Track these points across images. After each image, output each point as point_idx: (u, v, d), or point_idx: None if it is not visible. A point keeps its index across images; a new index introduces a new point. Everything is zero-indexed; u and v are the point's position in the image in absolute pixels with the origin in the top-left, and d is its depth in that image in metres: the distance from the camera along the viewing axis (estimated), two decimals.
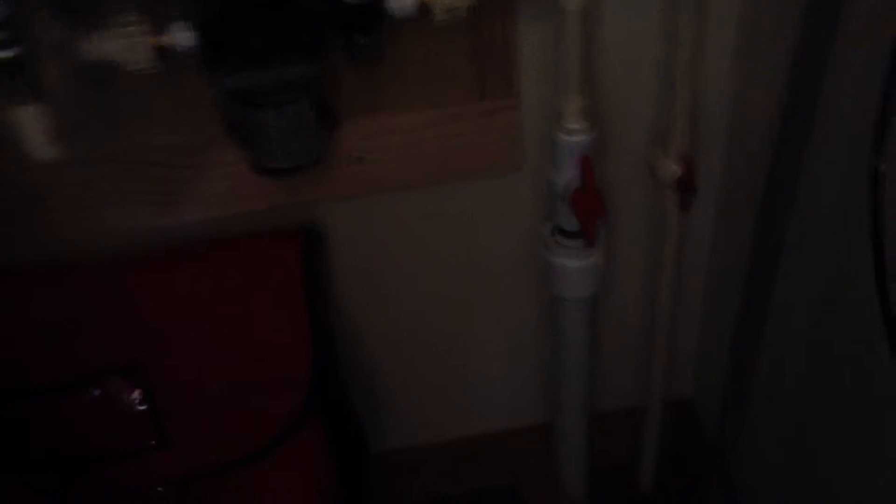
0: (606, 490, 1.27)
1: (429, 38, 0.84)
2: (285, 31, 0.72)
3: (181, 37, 0.72)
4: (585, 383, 1.11)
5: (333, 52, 0.77)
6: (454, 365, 1.17)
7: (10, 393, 0.90)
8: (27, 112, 0.62)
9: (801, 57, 0.76)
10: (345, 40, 0.74)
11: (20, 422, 0.91)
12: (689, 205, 0.97)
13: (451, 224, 1.02)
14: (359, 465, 1.11)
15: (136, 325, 0.91)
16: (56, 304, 0.91)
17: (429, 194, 0.99)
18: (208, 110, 0.83)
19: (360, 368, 1.12)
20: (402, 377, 1.16)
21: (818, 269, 0.86)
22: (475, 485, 1.29)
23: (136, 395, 0.93)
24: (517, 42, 0.88)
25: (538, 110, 0.92)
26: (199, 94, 0.81)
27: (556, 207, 0.91)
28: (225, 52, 0.72)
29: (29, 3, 0.61)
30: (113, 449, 0.94)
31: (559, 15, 0.80)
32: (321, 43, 0.75)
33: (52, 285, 0.91)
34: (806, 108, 0.77)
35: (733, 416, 1.05)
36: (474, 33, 0.86)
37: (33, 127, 0.63)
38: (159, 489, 0.97)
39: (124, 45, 0.70)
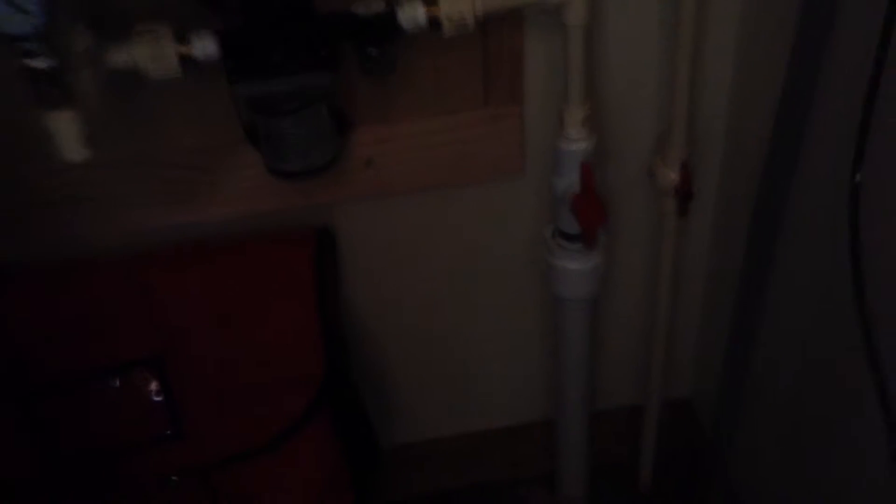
0: (606, 488, 1.29)
1: (438, 49, 0.87)
2: (304, 43, 0.76)
3: (204, 47, 0.76)
4: (586, 382, 1.14)
5: (348, 62, 0.81)
6: (458, 363, 1.20)
7: (35, 385, 0.94)
8: (60, 117, 0.66)
9: (794, 72, 0.80)
10: (359, 52, 0.78)
11: (45, 412, 0.94)
12: (686, 211, 1.00)
13: (458, 226, 1.06)
14: (369, 460, 1.14)
15: (156, 321, 0.95)
16: (80, 300, 0.94)
17: (436, 197, 1.02)
18: (227, 115, 0.87)
19: (368, 366, 1.15)
20: (408, 374, 1.19)
21: (810, 273, 0.89)
22: (477, 480, 1.31)
23: (153, 386, 0.96)
24: (522, 54, 0.91)
25: (541, 118, 0.96)
26: (218, 100, 0.85)
27: (558, 211, 0.95)
28: (246, 63, 0.76)
29: (63, 15, 0.65)
30: (130, 438, 0.98)
31: (563, 29, 0.84)
32: (337, 55, 0.78)
33: (77, 282, 0.95)
34: (798, 120, 0.81)
35: (729, 415, 1.08)
36: (481, 45, 0.90)
37: (66, 131, 0.67)
38: (174, 478, 1.01)
39: (150, 54, 0.74)
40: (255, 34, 0.75)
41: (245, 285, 0.96)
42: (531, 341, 1.19)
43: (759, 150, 0.90)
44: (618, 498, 1.31)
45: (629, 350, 1.23)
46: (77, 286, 0.95)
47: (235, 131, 0.88)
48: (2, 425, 0.94)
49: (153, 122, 0.90)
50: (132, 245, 0.97)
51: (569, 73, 0.87)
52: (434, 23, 0.78)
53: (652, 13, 0.91)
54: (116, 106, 0.84)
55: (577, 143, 0.90)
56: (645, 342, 1.18)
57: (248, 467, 0.99)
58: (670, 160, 0.97)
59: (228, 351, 0.96)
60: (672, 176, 0.98)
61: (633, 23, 0.92)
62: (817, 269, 0.87)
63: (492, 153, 0.97)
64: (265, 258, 0.97)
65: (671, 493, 1.30)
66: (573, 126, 0.89)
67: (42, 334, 0.93)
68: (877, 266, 0.70)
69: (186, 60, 0.76)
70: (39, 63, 0.62)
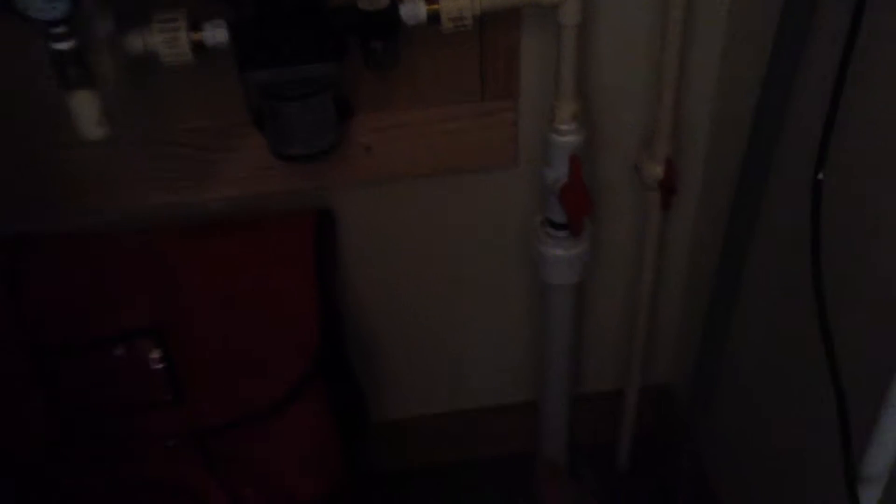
0: (585, 467, 1.34)
1: (437, 44, 0.91)
2: (311, 35, 0.80)
3: (216, 36, 0.80)
4: (569, 365, 1.18)
5: (352, 53, 0.85)
6: (448, 343, 1.24)
7: (48, 347, 0.98)
8: (82, 97, 0.71)
9: (772, 73, 0.85)
10: (363, 46, 0.82)
11: (55, 373, 0.99)
12: (669, 204, 1.05)
13: (451, 212, 1.10)
14: (359, 431, 1.18)
15: (161, 292, 0.99)
16: (91, 270, 0.99)
17: (431, 184, 1.06)
18: (235, 99, 0.91)
19: (363, 342, 1.19)
20: (401, 352, 1.24)
21: (780, 266, 0.94)
22: (462, 457, 1.35)
23: (155, 355, 1.00)
24: (518, 50, 0.96)
25: (534, 112, 1.00)
26: (228, 85, 0.89)
27: (547, 201, 0.99)
28: (256, 52, 0.80)
29: (87, 3, 0.69)
30: (131, 403, 1.02)
31: (557, 28, 0.88)
32: (342, 46, 0.82)
33: (88, 253, 0.99)
34: (773, 121, 0.86)
35: (702, 400, 1.14)
36: (479, 41, 0.94)
37: (86, 110, 0.71)
38: (170, 443, 1.05)
39: (166, 39, 0.78)
40: (267, 25, 0.80)
41: (248, 260, 1.00)
42: (519, 324, 1.23)
43: (741, 148, 0.94)
44: (596, 477, 1.35)
45: (612, 336, 1.27)
46: (88, 256, 0.99)
47: (242, 115, 0.92)
48: (17, 382, 0.98)
49: (164, 105, 0.94)
50: (140, 220, 1.01)
51: (561, 69, 0.91)
52: (434, 19, 0.83)
53: (642, 16, 0.95)
54: (130, 88, 0.89)
55: (567, 136, 0.94)
56: (627, 329, 1.22)
57: (243, 433, 1.03)
58: (656, 156, 1.02)
59: (229, 322, 1.00)
60: (657, 171, 1.02)
61: (623, 24, 0.96)
62: (786, 263, 0.92)
63: (486, 144, 1.02)
64: (268, 235, 1.01)
65: (647, 474, 1.34)
66: (563, 120, 0.94)
67: (55, 300, 0.98)
68: (836, 257, 0.76)
69: (198, 47, 0.80)
70: (64, 46, 0.67)
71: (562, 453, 1.29)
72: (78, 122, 0.73)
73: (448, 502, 1.33)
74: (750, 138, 0.89)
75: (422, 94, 0.98)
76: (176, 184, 0.99)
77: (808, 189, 0.70)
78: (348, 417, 1.12)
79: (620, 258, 1.18)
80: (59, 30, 0.66)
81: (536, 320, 1.19)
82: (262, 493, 1.07)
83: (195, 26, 0.80)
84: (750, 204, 0.93)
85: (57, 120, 0.89)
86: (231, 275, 1.00)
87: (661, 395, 1.34)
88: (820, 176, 0.65)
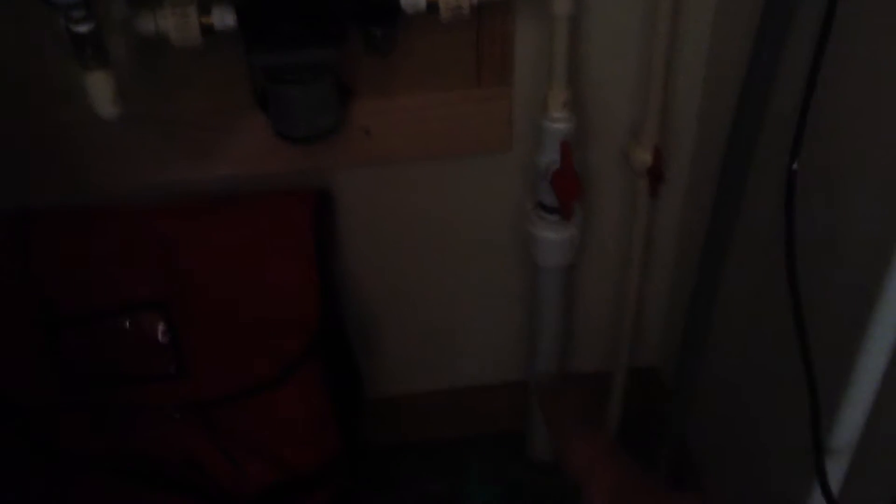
0: None
1: (435, 31, 0.94)
2: (314, 20, 0.84)
3: (223, 18, 0.84)
4: (559, 346, 1.22)
5: (353, 39, 0.88)
6: (443, 321, 1.27)
7: (56, 317, 1.02)
8: (97, 77, 0.74)
9: (753, 66, 0.88)
10: (363, 31, 0.86)
11: (63, 343, 1.03)
12: (657, 191, 1.09)
13: (446, 195, 1.13)
14: (355, 406, 1.21)
15: (166, 266, 1.03)
16: (98, 243, 1.02)
17: (427, 167, 1.09)
18: (241, 81, 0.95)
19: (359, 319, 1.23)
20: (395, 330, 1.27)
21: (759, 250, 0.98)
22: (456, 433, 1.39)
23: (160, 327, 1.04)
24: (513, 38, 0.99)
25: (528, 99, 1.03)
26: (233, 67, 0.93)
27: (539, 185, 1.03)
28: (261, 35, 0.83)
29: None
30: (136, 373, 1.05)
31: (550, 18, 0.92)
32: (343, 32, 0.86)
33: (96, 227, 1.03)
34: (754, 112, 0.89)
35: (687, 381, 1.17)
36: (475, 29, 0.97)
37: (101, 90, 0.75)
38: (176, 416, 1.09)
39: (177, 23, 0.82)
40: (272, 9, 0.83)
41: (249, 237, 1.03)
42: (511, 305, 1.26)
43: (726, 138, 0.98)
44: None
45: (601, 319, 1.30)
46: (96, 230, 1.03)
47: (246, 96, 0.96)
48: (25, 353, 1.02)
49: (171, 84, 0.97)
50: (145, 197, 1.04)
51: (553, 58, 0.95)
52: (433, 7, 0.86)
53: (632, 7, 0.99)
54: (140, 68, 0.92)
55: (559, 123, 0.98)
56: (615, 312, 1.26)
57: (244, 405, 1.07)
58: (644, 144, 1.05)
59: (231, 297, 1.04)
60: (645, 158, 1.06)
61: (614, 15, 0.99)
62: (765, 249, 0.96)
63: (481, 129, 1.05)
64: (269, 213, 1.04)
65: (634, 455, 1.37)
66: (556, 108, 0.97)
67: (63, 272, 1.01)
68: (809, 243, 0.80)
69: (207, 30, 0.84)
70: (83, 29, 0.70)
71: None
72: (94, 102, 0.76)
73: (440, 477, 1.36)
74: (732, 130, 0.92)
75: (420, 80, 1.01)
76: (180, 162, 1.02)
77: (784, 178, 0.73)
78: (345, 391, 1.15)
79: (610, 242, 1.21)
80: (79, 13, 0.69)
81: (528, 302, 1.22)
82: (261, 462, 1.11)
83: (204, 9, 0.83)
84: (732, 192, 0.96)
85: (63, 98, 0.93)
86: (233, 251, 1.03)
87: (649, 376, 1.38)
88: (794, 166, 0.69)
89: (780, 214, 0.75)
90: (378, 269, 1.19)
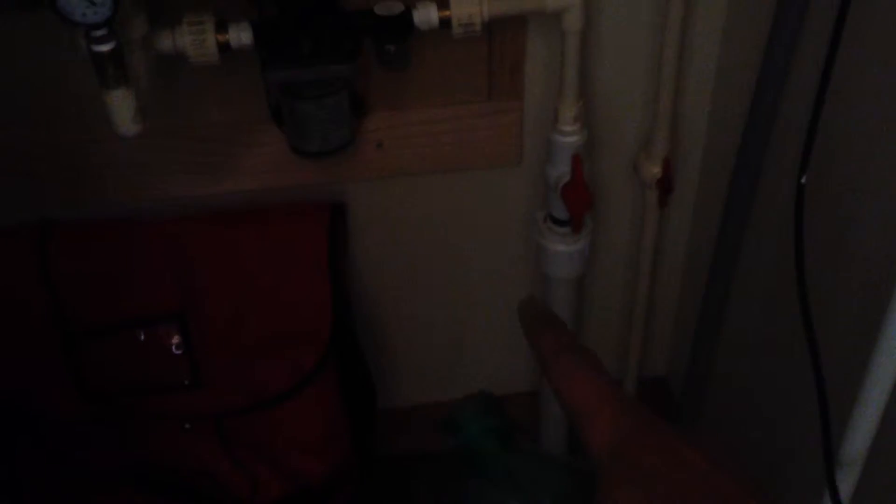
0: (583, 457, 1.38)
1: (447, 46, 0.95)
2: (329, 37, 0.85)
3: (240, 37, 0.85)
4: None
5: (366, 54, 0.89)
6: (453, 332, 1.28)
7: (73, 331, 1.03)
8: (118, 95, 0.76)
9: (763, 81, 0.89)
10: (377, 47, 0.87)
11: (80, 356, 1.04)
12: (666, 203, 1.10)
13: (457, 208, 1.14)
14: (368, 411, 1.22)
15: (182, 279, 1.04)
16: (116, 256, 1.03)
17: (439, 179, 1.11)
18: (254, 96, 0.96)
19: (371, 329, 1.24)
20: (405, 341, 1.28)
21: (769, 261, 0.99)
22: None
23: (175, 340, 1.05)
24: (523, 53, 1.00)
25: (538, 112, 1.05)
26: (249, 83, 0.94)
27: (549, 198, 1.04)
28: (278, 52, 0.85)
29: (126, 7, 0.74)
30: (151, 385, 1.07)
31: (561, 34, 0.92)
32: (358, 48, 0.87)
33: (112, 240, 1.04)
34: (764, 127, 0.90)
35: (696, 389, 1.18)
36: (487, 44, 0.99)
37: (122, 107, 0.76)
38: (187, 426, 1.10)
39: (194, 41, 0.83)
40: (288, 26, 0.84)
41: (265, 249, 1.04)
42: None
43: (735, 150, 0.99)
44: (594, 467, 1.39)
45: (610, 329, 1.31)
46: (113, 243, 1.04)
47: (261, 111, 0.97)
48: (44, 364, 1.03)
49: (187, 100, 0.98)
50: (163, 210, 1.05)
51: (564, 73, 0.96)
52: (445, 24, 0.87)
53: (642, 23, 1.00)
54: (157, 84, 0.93)
55: (570, 136, 0.99)
56: (625, 322, 1.27)
57: (258, 416, 1.08)
58: (654, 156, 1.07)
59: (246, 309, 1.05)
60: (655, 170, 1.07)
61: (624, 30, 1.01)
62: (775, 260, 0.97)
63: (492, 143, 1.06)
64: (284, 226, 1.05)
65: None
66: (566, 121, 0.98)
67: (82, 284, 1.03)
68: (819, 254, 0.81)
69: (224, 48, 0.85)
70: (105, 48, 0.72)
71: (561, 443, 1.33)
72: (114, 119, 0.78)
73: (449, 487, 1.37)
74: (741, 143, 0.93)
75: (432, 94, 1.02)
76: (195, 176, 1.03)
77: (792, 192, 0.74)
78: (358, 402, 1.16)
79: (619, 253, 1.22)
80: (100, 32, 0.71)
81: None
82: (274, 473, 1.12)
83: (221, 27, 0.84)
84: (742, 204, 0.97)
85: (84, 114, 0.95)
86: (248, 263, 1.04)
87: (658, 386, 1.38)
88: (803, 180, 0.70)
89: (789, 226, 0.76)
90: (388, 280, 1.20)
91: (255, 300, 1.05)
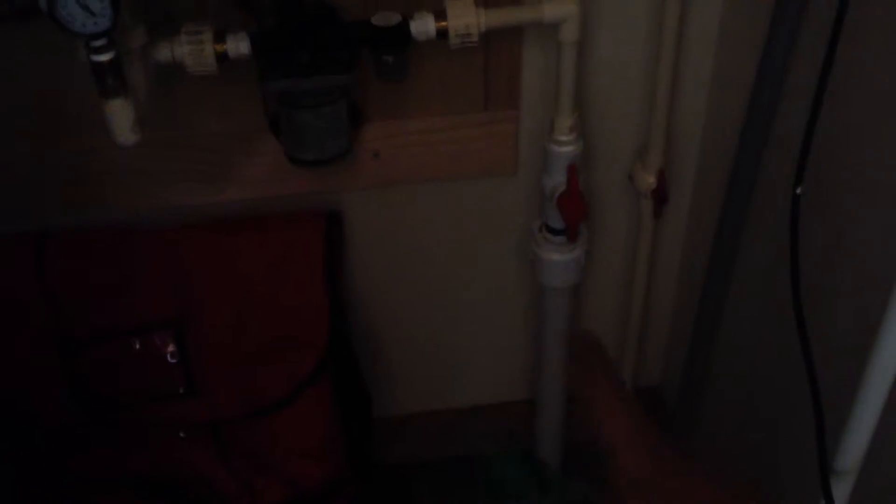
0: (578, 465, 1.37)
1: (444, 57, 0.96)
2: (327, 47, 0.85)
3: (238, 47, 0.85)
4: (565, 365, 1.23)
5: (364, 64, 0.90)
6: (449, 341, 1.28)
7: (70, 339, 1.03)
8: (116, 105, 0.76)
9: (759, 90, 0.90)
10: (375, 58, 0.87)
11: (76, 364, 1.04)
12: (661, 213, 1.11)
13: (453, 217, 1.15)
14: (363, 419, 1.22)
15: (179, 288, 1.04)
16: (113, 264, 1.04)
17: (435, 188, 1.11)
18: (254, 107, 0.96)
19: (367, 337, 1.24)
20: (401, 349, 1.28)
21: (764, 272, 1.00)
22: (463, 452, 1.38)
23: (170, 348, 1.05)
24: (520, 64, 1.01)
25: (534, 123, 1.05)
26: (247, 93, 0.94)
27: (545, 207, 1.04)
28: (276, 63, 0.85)
29: (125, 18, 0.74)
30: (146, 393, 1.06)
31: (557, 45, 0.93)
32: (355, 58, 0.87)
33: (109, 249, 1.04)
34: (758, 137, 0.91)
35: (691, 399, 1.19)
36: (483, 54, 0.99)
37: (121, 117, 0.76)
38: (182, 434, 1.10)
39: (192, 51, 0.84)
40: (286, 37, 0.85)
41: (262, 258, 1.05)
42: (516, 325, 1.28)
43: (729, 161, 0.99)
44: (588, 475, 1.39)
45: (606, 338, 1.27)
46: (110, 252, 1.04)
47: (259, 121, 0.97)
48: (40, 372, 1.03)
49: (185, 109, 0.98)
50: (161, 218, 1.06)
51: (560, 83, 0.96)
52: (442, 35, 0.88)
53: (637, 34, 1.01)
54: (155, 94, 0.93)
55: (566, 146, 0.99)
56: (620, 332, 1.27)
57: (254, 424, 1.08)
58: (649, 166, 1.07)
59: (243, 317, 1.05)
60: (650, 181, 1.08)
61: (619, 42, 1.01)
62: (770, 270, 0.97)
63: (488, 152, 1.07)
64: (281, 234, 1.06)
65: None
66: (562, 131, 0.99)
67: (79, 293, 1.03)
68: (814, 265, 0.81)
69: (222, 58, 0.85)
70: (104, 58, 0.72)
71: (556, 452, 1.33)
72: (113, 129, 0.78)
73: (448, 495, 1.37)
74: (737, 154, 0.94)
75: (429, 104, 1.03)
76: (193, 185, 1.04)
77: (788, 201, 0.75)
78: (353, 410, 1.16)
79: (614, 263, 1.23)
80: (100, 43, 0.71)
81: (533, 321, 1.23)
82: (269, 481, 1.12)
83: (219, 37, 0.85)
84: (737, 214, 0.98)
85: (82, 122, 0.95)
86: (245, 272, 1.05)
87: (653, 395, 1.39)
88: (798, 190, 0.71)
89: (784, 236, 0.77)
90: (385, 289, 1.21)
91: (252, 308, 1.05)
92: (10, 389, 1.05)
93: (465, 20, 0.88)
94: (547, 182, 1.02)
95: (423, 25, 0.87)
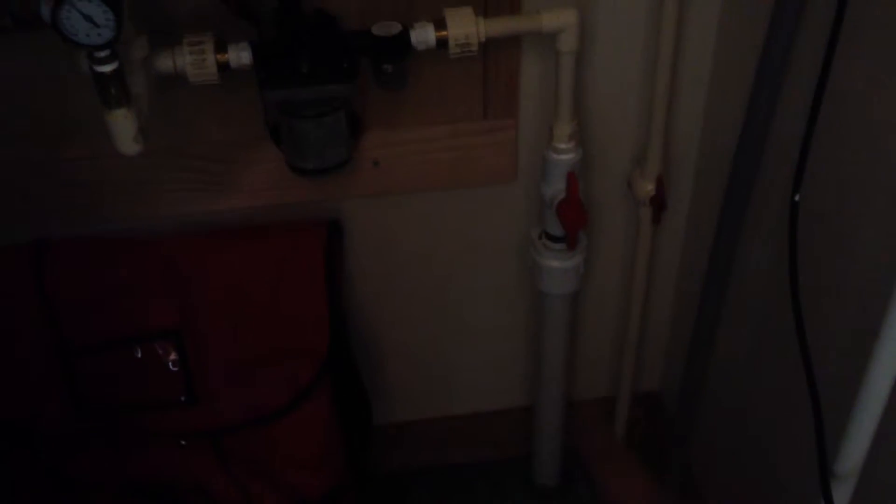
0: (578, 471, 1.37)
1: (443, 65, 0.96)
2: (328, 57, 0.86)
3: (239, 57, 0.86)
4: (564, 373, 1.23)
5: (363, 73, 0.90)
6: (449, 348, 1.29)
7: (69, 348, 1.03)
8: (119, 115, 0.76)
9: (756, 98, 0.91)
10: (375, 67, 0.88)
11: (77, 372, 1.04)
12: (659, 219, 1.11)
13: (453, 224, 1.15)
14: (363, 427, 1.22)
15: (179, 296, 1.04)
16: (112, 273, 1.04)
17: (434, 196, 1.11)
18: (252, 115, 0.97)
19: (367, 345, 1.24)
20: (401, 356, 1.28)
21: (762, 278, 1.00)
22: (462, 459, 1.39)
23: (172, 357, 1.05)
24: (519, 73, 1.01)
25: (533, 130, 1.06)
26: (247, 102, 0.95)
27: (545, 215, 1.05)
28: (276, 72, 0.85)
29: (127, 28, 0.75)
30: (147, 402, 1.07)
31: (556, 54, 0.94)
32: (355, 68, 0.88)
33: (110, 257, 1.04)
34: (756, 145, 0.92)
35: (690, 406, 1.19)
36: (482, 64, 1.00)
37: (124, 127, 0.77)
38: (182, 443, 1.10)
39: (194, 61, 0.84)
40: (286, 46, 0.85)
41: (262, 266, 1.05)
42: (516, 332, 1.28)
43: (727, 167, 1.00)
44: (587, 480, 1.38)
45: (605, 344, 1.32)
46: (110, 261, 1.04)
47: (259, 130, 0.98)
48: (40, 380, 1.03)
49: (186, 118, 0.99)
50: (161, 227, 1.06)
51: (559, 92, 0.97)
52: (442, 44, 0.88)
53: (635, 43, 1.02)
54: (156, 102, 0.94)
55: (565, 154, 1.00)
56: (619, 338, 1.28)
57: (254, 432, 1.08)
58: (647, 174, 1.08)
59: (244, 325, 1.05)
60: (648, 188, 1.08)
61: (617, 50, 1.02)
62: (768, 276, 0.98)
63: (487, 160, 1.07)
64: (282, 243, 1.06)
65: None
66: (561, 139, 0.99)
67: (78, 301, 1.03)
68: (813, 270, 0.82)
69: (223, 68, 0.86)
70: (107, 69, 0.72)
71: (555, 457, 1.34)
72: (116, 139, 0.78)
73: (446, 502, 1.37)
74: (734, 161, 0.94)
75: (428, 113, 1.03)
76: (194, 194, 1.04)
77: (786, 208, 0.75)
78: (353, 418, 1.17)
79: (613, 270, 1.23)
80: (103, 54, 0.72)
81: (533, 328, 1.24)
82: (270, 489, 1.12)
83: (220, 47, 0.85)
84: (735, 221, 0.98)
85: (82, 131, 0.95)
86: (245, 281, 1.05)
87: (652, 401, 1.39)
88: (796, 198, 0.71)
89: (782, 243, 0.77)
90: (384, 296, 1.21)
91: (252, 316, 1.06)
92: (11, 397, 1.05)
93: (464, 30, 0.88)
94: (546, 190, 1.03)
95: (424, 35, 0.88)
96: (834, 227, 0.84)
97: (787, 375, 0.95)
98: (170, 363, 1.06)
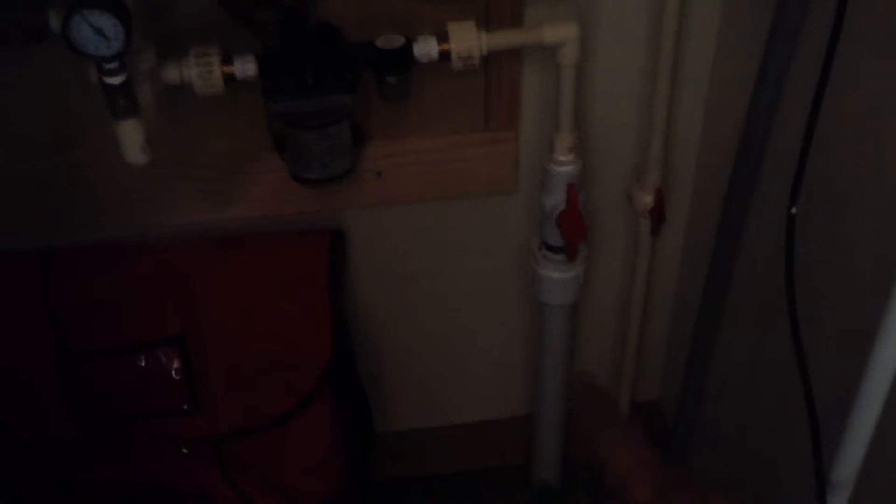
0: (578, 478, 1.38)
1: (446, 78, 0.97)
2: (331, 68, 0.87)
3: (245, 69, 0.87)
4: (563, 381, 1.24)
5: (366, 85, 0.92)
6: (450, 357, 1.29)
7: (73, 355, 1.04)
8: (128, 125, 0.77)
9: (755, 109, 0.92)
10: (378, 79, 0.89)
11: (80, 379, 1.05)
12: (658, 231, 1.12)
13: (454, 234, 1.16)
14: (365, 435, 1.23)
15: (183, 305, 1.05)
16: (116, 281, 1.05)
17: (436, 206, 1.12)
18: (257, 125, 0.98)
19: (368, 353, 1.25)
20: (403, 365, 1.29)
21: (760, 288, 1.01)
22: (463, 467, 1.40)
23: (175, 365, 1.06)
24: (520, 85, 1.03)
25: (533, 142, 1.07)
26: (251, 112, 0.96)
27: (544, 226, 1.06)
28: (281, 83, 0.87)
29: (135, 40, 0.76)
30: (151, 409, 1.08)
31: (557, 67, 0.95)
32: (358, 79, 0.89)
33: (114, 266, 1.05)
34: (754, 159, 0.93)
35: (689, 413, 1.20)
36: (484, 76, 1.01)
37: (132, 137, 0.78)
38: (184, 450, 1.11)
39: (200, 72, 0.85)
40: (291, 58, 0.87)
41: (265, 275, 1.06)
42: (516, 341, 1.29)
43: (726, 179, 1.01)
44: (588, 488, 1.38)
45: (604, 354, 1.33)
46: (114, 269, 1.05)
47: (263, 140, 0.99)
48: (44, 387, 1.04)
49: (191, 128, 1.00)
50: (165, 236, 1.07)
51: (560, 105, 0.98)
52: (444, 57, 0.90)
53: (635, 56, 1.03)
54: (162, 113, 0.95)
55: (565, 166, 1.01)
56: (619, 348, 1.29)
57: (256, 439, 1.09)
58: (646, 186, 1.09)
59: (247, 334, 1.06)
60: (647, 200, 1.09)
61: (618, 63, 1.03)
62: (766, 286, 0.99)
63: (488, 171, 1.08)
64: (285, 252, 1.07)
65: None
66: (562, 151, 1.01)
67: (82, 310, 1.04)
68: (809, 282, 0.83)
69: (229, 79, 0.87)
70: (116, 80, 0.74)
71: (556, 465, 1.35)
72: (124, 149, 0.79)
73: None
74: (733, 174, 0.96)
75: (430, 124, 1.04)
76: (198, 203, 1.05)
77: (783, 221, 0.76)
78: (355, 425, 1.17)
79: (613, 280, 1.24)
80: (112, 65, 0.73)
81: (533, 338, 1.24)
82: (271, 495, 1.13)
83: (226, 59, 0.87)
84: (733, 232, 0.99)
85: (87, 141, 0.96)
86: (249, 290, 1.06)
87: (651, 410, 1.39)
88: (793, 210, 0.72)
89: (779, 253, 0.78)
90: (386, 306, 1.22)
91: (255, 325, 1.06)
92: (15, 404, 1.06)
93: (467, 43, 0.90)
94: (546, 201, 1.03)
95: (426, 48, 0.89)
96: (831, 237, 0.85)
97: (785, 384, 0.95)
98: (173, 371, 1.07)
